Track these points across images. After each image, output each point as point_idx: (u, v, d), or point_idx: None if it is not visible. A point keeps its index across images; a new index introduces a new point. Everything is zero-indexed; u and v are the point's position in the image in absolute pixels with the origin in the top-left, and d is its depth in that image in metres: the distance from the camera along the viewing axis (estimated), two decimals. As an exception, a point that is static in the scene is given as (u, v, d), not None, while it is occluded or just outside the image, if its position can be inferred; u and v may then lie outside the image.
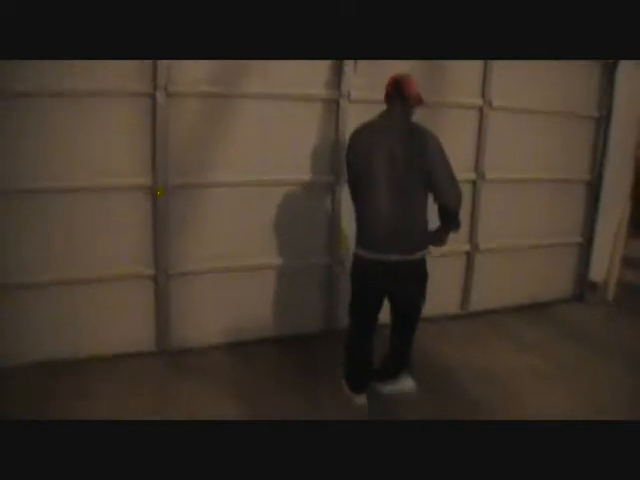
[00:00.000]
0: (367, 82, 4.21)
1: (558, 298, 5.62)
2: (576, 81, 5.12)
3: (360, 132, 3.45)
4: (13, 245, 3.75)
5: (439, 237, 3.47)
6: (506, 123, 4.95)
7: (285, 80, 4.11)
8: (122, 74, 3.74)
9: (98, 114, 3.78)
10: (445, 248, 3.62)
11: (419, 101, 3.41)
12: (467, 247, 5.08)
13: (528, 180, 5.19)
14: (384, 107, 3.44)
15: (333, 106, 4.35)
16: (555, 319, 5.23)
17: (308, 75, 4.20)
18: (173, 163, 3.98)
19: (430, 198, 3.35)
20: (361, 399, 3.65)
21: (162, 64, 3.80)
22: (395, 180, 3.28)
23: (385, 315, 3.59)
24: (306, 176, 4.38)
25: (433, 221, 3.41)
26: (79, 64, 3.58)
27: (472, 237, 5.06)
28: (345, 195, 4.00)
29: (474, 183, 4.96)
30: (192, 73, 3.91)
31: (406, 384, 3.82)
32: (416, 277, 3.47)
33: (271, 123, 4.21)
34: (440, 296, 4.82)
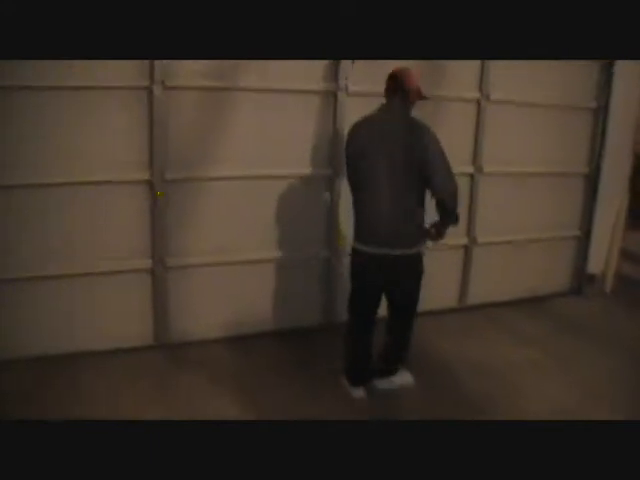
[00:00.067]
0: (365, 75, 4.20)
1: (556, 291, 5.63)
2: (574, 73, 5.10)
3: (359, 126, 3.46)
4: (13, 240, 3.75)
5: (437, 231, 3.47)
6: (504, 116, 4.94)
7: (283, 73, 4.09)
8: (119, 68, 3.71)
9: (96, 108, 3.76)
10: (443, 242, 3.61)
11: (419, 95, 3.40)
12: (465, 241, 5.07)
13: (526, 174, 5.19)
14: (382, 100, 3.44)
15: (331, 99, 4.33)
16: (553, 312, 5.24)
17: (306, 68, 4.17)
18: (171, 157, 3.97)
19: (428, 192, 3.36)
20: (360, 393, 3.67)
21: (159, 58, 3.78)
22: (392, 174, 3.29)
23: (384, 310, 3.61)
24: (304, 169, 4.37)
25: (433, 215, 3.41)
26: (78, 60, 3.56)
27: (470, 231, 5.06)
28: (344, 188, 4.00)
29: (472, 176, 4.95)
30: (189, 66, 3.89)
31: (404, 379, 3.83)
32: (412, 271, 3.49)
33: (269, 116, 4.19)
34: (438, 290, 4.85)
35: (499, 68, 4.73)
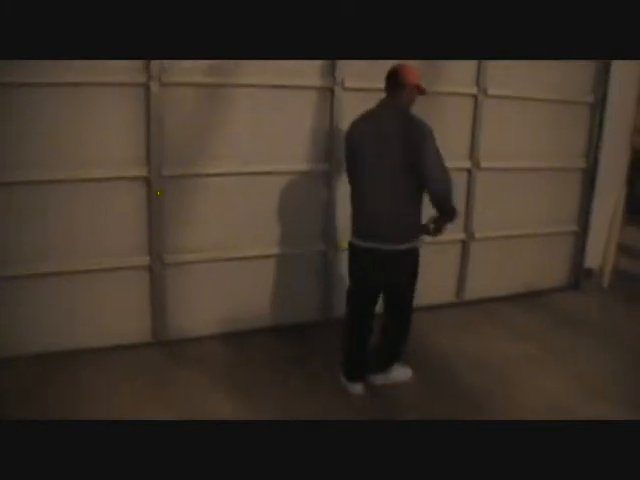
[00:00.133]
0: (362, 70, 4.19)
1: (553, 286, 5.64)
2: (571, 68, 5.08)
3: (358, 122, 3.49)
4: (12, 237, 3.75)
5: (436, 227, 3.47)
6: (501, 111, 4.93)
7: (280, 69, 4.07)
8: (116, 64, 3.69)
9: (95, 104, 3.75)
10: (441, 237, 3.60)
11: (419, 90, 3.40)
12: (462, 236, 5.08)
13: (523, 168, 5.18)
14: (380, 95, 3.43)
15: (328, 94, 4.32)
16: (550, 307, 5.25)
17: (302, 64, 4.16)
18: (168, 153, 3.97)
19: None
20: (357, 388, 3.68)
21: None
22: (389, 171, 3.30)
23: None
24: (301, 165, 4.37)
25: (431, 211, 3.42)
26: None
27: (467, 226, 5.06)
28: (342, 184, 4.00)
29: (469, 171, 4.95)
30: (186, 63, 3.87)
31: (400, 374, 3.83)
32: (408, 267, 3.50)
33: (266, 112, 4.18)
34: (436, 285, 4.87)
35: (496, 63, 4.71)
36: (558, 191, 5.46)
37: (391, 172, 3.29)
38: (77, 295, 3.96)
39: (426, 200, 3.40)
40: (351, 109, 3.93)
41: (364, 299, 3.59)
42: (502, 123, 4.97)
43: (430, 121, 3.34)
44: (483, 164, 4.95)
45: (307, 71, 4.22)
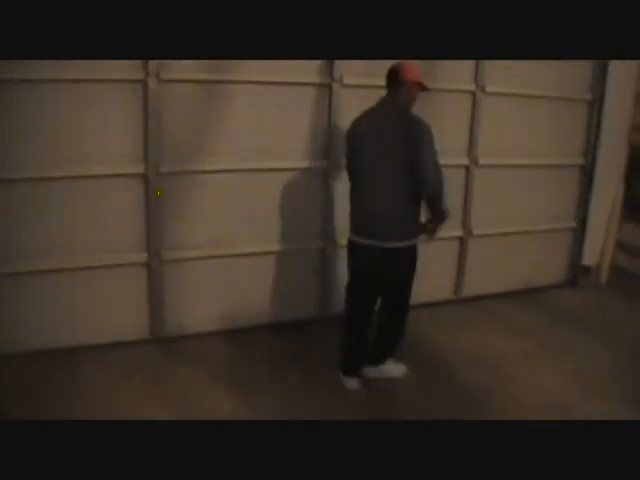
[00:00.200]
0: (361, 67, 4.19)
1: (551, 283, 5.65)
2: (569, 66, 5.07)
3: (358, 120, 3.50)
4: (13, 234, 3.74)
5: (430, 227, 3.49)
6: (499, 108, 4.94)
7: (278, 66, 4.06)
8: (115, 60, 3.67)
9: (95, 101, 3.75)
10: (438, 234, 3.61)
11: (420, 87, 3.40)
12: (460, 233, 5.08)
13: (521, 165, 5.19)
14: (379, 92, 3.44)
15: (326, 91, 4.32)
16: (548, 304, 5.26)
17: (301, 61, 4.14)
18: (166, 150, 3.96)
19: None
20: (354, 383, 3.69)
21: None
22: (388, 169, 3.32)
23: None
24: (300, 162, 4.37)
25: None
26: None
27: (465, 223, 5.07)
28: (340, 181, 4.00)
29: (467, 168, 4.96)
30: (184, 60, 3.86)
31: (394, 369, 3.85)
32: (405, 264, 3.51)
33: (264, 109, 4.18)
34: (433, 282, 4.87)
35: (494, 61, 4.70)
36: (556, 188, 5.47)
37: (391, 171, 3.31)
38: (77, 292, 3.96)
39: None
40: (349, 106, 3.95)
41: (363, 295, 3.60)
42: (500, 120, 4.97)
43: (428, 118, 3.36)
44: (481, 161, 4.96)
45: (305, 68, 4.21)
